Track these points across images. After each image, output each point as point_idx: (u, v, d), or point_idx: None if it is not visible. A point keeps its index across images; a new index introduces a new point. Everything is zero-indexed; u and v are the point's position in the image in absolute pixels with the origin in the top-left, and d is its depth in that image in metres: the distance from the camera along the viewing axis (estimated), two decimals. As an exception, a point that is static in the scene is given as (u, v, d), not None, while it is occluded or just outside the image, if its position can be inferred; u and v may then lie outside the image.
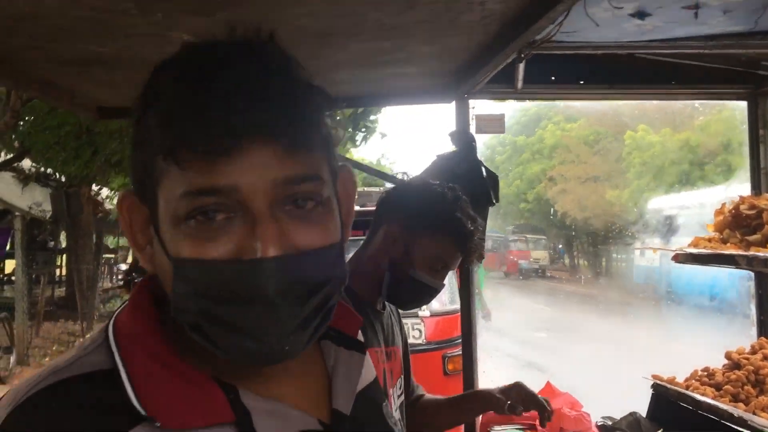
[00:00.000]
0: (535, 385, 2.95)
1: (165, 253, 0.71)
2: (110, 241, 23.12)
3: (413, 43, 1.90)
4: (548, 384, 2.81)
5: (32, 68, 2.02)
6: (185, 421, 0.69)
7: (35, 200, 12.53)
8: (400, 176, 4.99)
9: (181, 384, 0.72)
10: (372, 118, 10.08)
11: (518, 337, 10.24)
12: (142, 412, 0.68)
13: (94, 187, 14.41)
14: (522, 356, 6.53)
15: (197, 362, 0.74)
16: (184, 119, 0.66)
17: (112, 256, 22.03)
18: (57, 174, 12.53)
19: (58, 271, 18.26)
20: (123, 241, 24.12)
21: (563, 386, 2.98)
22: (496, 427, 2.58)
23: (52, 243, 16.97)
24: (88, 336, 0.80)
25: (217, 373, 0.74)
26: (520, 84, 2.64)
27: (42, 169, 12.62)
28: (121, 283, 13.99)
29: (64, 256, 17.18)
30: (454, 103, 2.73)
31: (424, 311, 5.02)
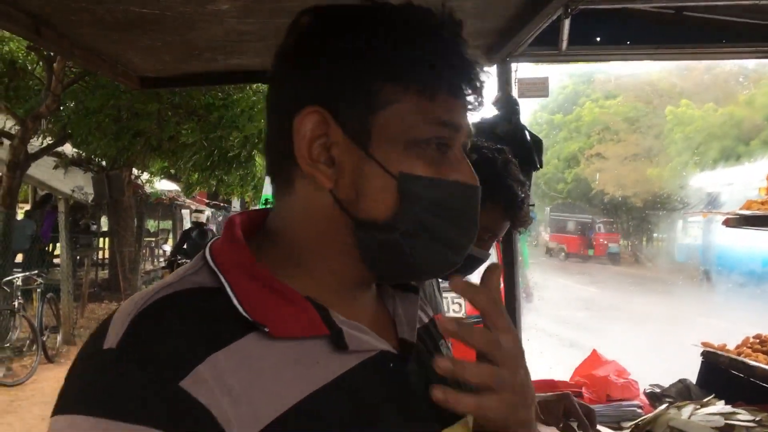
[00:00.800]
0: (579, 357, 2.91)
1: (383, 170, 0.79)
2: (151, 224, 23.48)
3: (456, -1, 1.85)
4: (594, 352, 2.78)
5: (76, 33, 2.03)
6: (288, 330, 0.78)
7: (77, 184, 12.75)
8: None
9: (280, 300, 0.80)
10: None
11: (560, 317, 10.15)
12: (251, 320, 0.76)
13: (135, 171, 14.63)
14: (564, 335, 6.45)
15: (290, 284, 0.82)
16: (443, 60, 0.79)
17: (153, 239, 22.37)
18: (98, 158, 12.73)
19: (101, 254, 18.61)
20: (164, 224, 24.49)
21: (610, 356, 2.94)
22: (541, 395, 2.55)
23: (95, 226, 17.28)
24: (183, 264, 0.88)
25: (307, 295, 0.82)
26: (564, 45, 2.58)
27: (83, 153, 12.83)
28: (164, 264, 14.19)
29: (107, 239, 17.49)
30: (495, 66, 2.68)
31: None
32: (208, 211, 13.77)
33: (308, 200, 0.83)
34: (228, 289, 0.78)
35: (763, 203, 2.54)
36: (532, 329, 7.71)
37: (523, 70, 2.70)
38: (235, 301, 0.77)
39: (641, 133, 28.10)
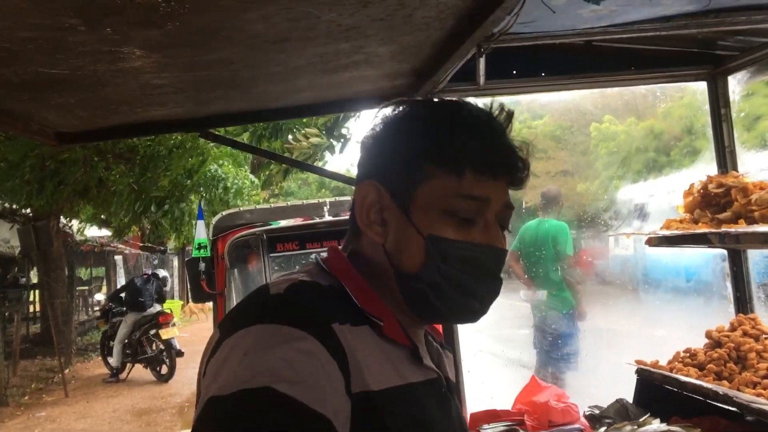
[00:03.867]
0: (520, 381, 2.94)
1: (416, 231, 1.02)
2: (83, 272, 22.72)
3: (371, 44, 1.88)
4: (533, 378, 2.81)
5: (-17, 96, 1.96)
6: (391, 332, 1.02)
7: (2, 237, 12.28)
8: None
9: (381, 309, 1.03)
10: (346, 126, 9.99)
11: (499, 336, 10.24)
12: (368, 315, 1.01)
13: (63, 219, 14.17)
14: (505, 354, 6.55)
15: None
16: (479, 151, 1.02)
17: (86, 287, 21.64)
18: (23, 209, 12.29)
19: (31, 308, 17.90)
20: (96, 272, 23.73)
21: (548, 379, 2.98)
22: (485, 426, 2.57)
23: (24, 279, 16.63)
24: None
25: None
26: (482, 80, 2.64)
27: (6, 204, 12.36)
28: (98, 314, 13.74)
29: (37, 292, 16.84)
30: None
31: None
32: (163, 271, 13.39)
33: (370, 249, 1.08)
34: (349, 291, 1.03)
35: (681, 221, 2.64)
36: (475, 350, 7.78)
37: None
38: (355, 299, 1.02)
39: (568, 150, 28.92)
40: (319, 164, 11.02)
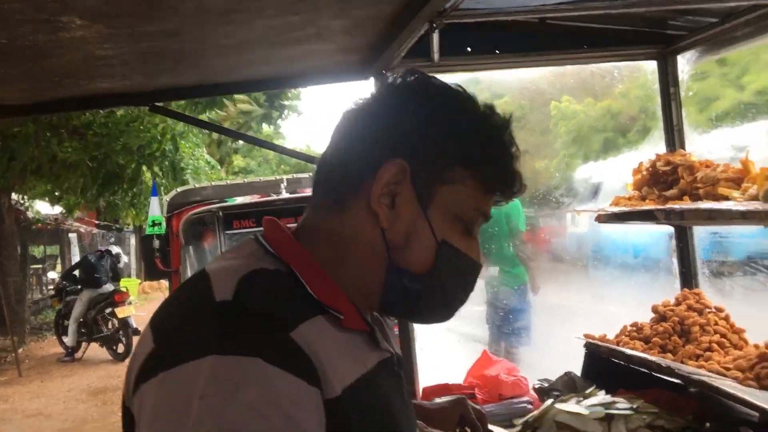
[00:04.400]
0: (473, 356, 2.98)
1: (431, 232, 0.99)
2: (36, 251, 22.24)
3: (322, 18, 1.86)
4: (485, 352, 2.85)
5: None
6: (350, 322, 0.96)
7: (-49, 214, 11.95)
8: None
9: (341, 301, 0.96)
10: (291, 97, 9.67)
11: (459, 312, 10.32)
12: (325, 306, 0.93)
13: (15, 196, 13.82)
14: (459, 329, 6.63)
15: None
16: (509, 179, 1.04)
17: (40, 266, 21.19)
18: (-28, 185, 11.96)
19: (-18, 287, 17.49)
20: (51, 250, 23.24)
21: (501, 354, 3.02)
22: (437, 399, 2.59)
23: (-26, 257, 16.23)
24: (235, 248, 1.05)
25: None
26: (436, 56, 2.63)
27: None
28: (52, 292, 13.48)
29: (-12, 270, 16.45)
30: (372, 80, 2.70)
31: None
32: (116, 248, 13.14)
33: (359, 226, 0.99)
34: (300, 277, 0.94)
35: (629, 199, 2.69)
36: (429, 327, 7.81)
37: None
38: (309, 290, 0.94)
39: (528, 129, 29.11)
40: (254, 135, 10.72)
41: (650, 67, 2.95)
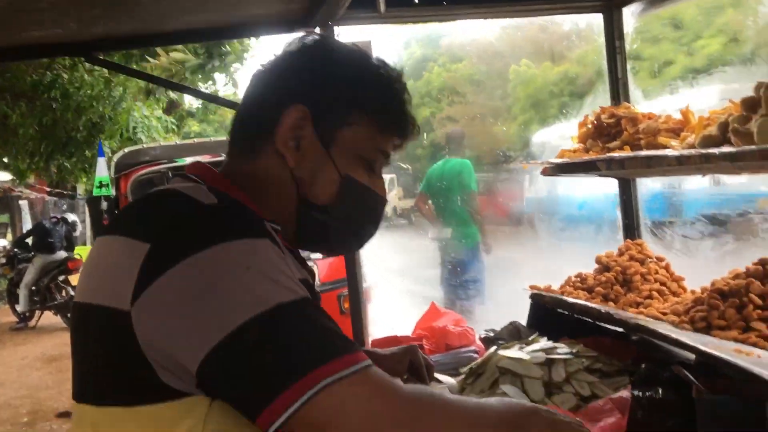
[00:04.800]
0: (423, 310, 3.01)
1: (334, 167, 1.12)
2: (-14, 218, 21.65)
3: (259, -40, 1.80)
4: (432, 304, 2.87)
5: None
6: (284, 239, 1.09)
7: None
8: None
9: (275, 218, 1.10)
10: (237, 48, 9.22)
11: (418, 276, 10.45)
12: (266, 221, 1.04)
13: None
14: (414, 291, 6.73)
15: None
16: (402, 120, 1.20)
17: (-11, 233, 20.65)
18: None
19: (-71, 256, 16.99)
20: (0, 218, 22.63)
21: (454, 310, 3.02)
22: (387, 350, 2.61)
23: None
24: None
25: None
26: (383, 7, 2.59)
27: None
28: (4, 260, 13.19)
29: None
30: (317, 31, 2.65)
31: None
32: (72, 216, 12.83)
33: (270, 168, 1.12)
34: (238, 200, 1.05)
35: (574, 151, 2.71)
36: (385, 286, 7.93)
37: (346, 34, 2.69)
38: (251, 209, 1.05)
39: (487, 93, 29.19)
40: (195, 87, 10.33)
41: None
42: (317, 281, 5.46)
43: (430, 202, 6.22)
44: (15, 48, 2.43)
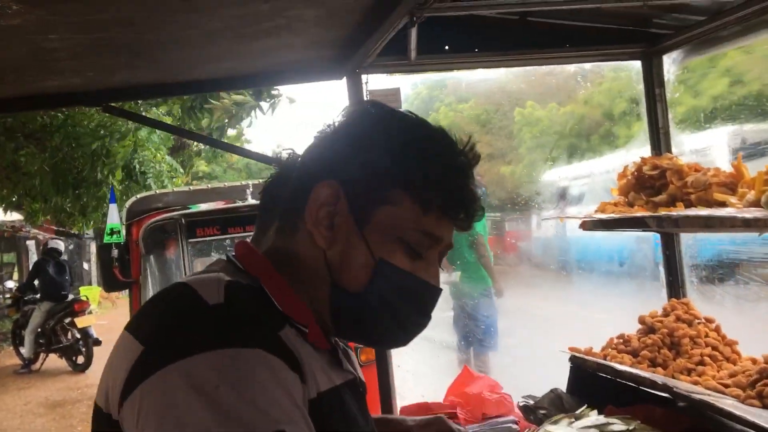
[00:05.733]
0: (452, 370, 2.84)
1: (368, 250, 0.99)
2: (-8, 258, 21.52)
3: (294, 7, 1.69)
4: (465, 368, 2.71)
5: None
6: (313, 338, 0.98)
7: None
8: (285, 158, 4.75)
9: (306, 314, 0.99)
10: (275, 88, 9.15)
11: (433, 320, 10.24)
12: (293, 320, 0.96)
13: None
14: (436, 338, 6.53)
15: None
16: (450, 194, 1.03)
17: (-5, 274, 20.51)
18: None
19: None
20: (7, 258, 22.53)
21: (471, 360, 2.86)
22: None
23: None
24: (206, 267, 1.09)
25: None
26: (413, 54, 2.49)
27: None
28: (10, 302, 13.02)
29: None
30: (345, 79, 2.54)
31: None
32: (61, 243, 12.70)
33: (306, 249, 1.02)
34: (268, 292, 0.97)
35: (615, 204, 2.57)
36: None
37: (374, 81, 2.58)
38: (277, 304, 0.97)
39: (493, 134, 29.27)
40: (245, 125, 10.29)
41: (611, 73, 2.85)
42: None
43: None
44: (32, 97, 2.31)
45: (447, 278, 6.03)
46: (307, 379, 0.92)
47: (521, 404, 2.52)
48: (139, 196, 5.44)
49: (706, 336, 2.45)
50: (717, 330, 2.49)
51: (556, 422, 2.10)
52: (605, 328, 2.74)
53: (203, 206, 5.09)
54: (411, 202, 1.01)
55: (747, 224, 1.76)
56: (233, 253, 1.07)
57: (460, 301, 5.91)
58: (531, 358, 5.39)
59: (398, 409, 2.52)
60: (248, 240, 1.11)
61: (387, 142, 1.03)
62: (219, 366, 0.83)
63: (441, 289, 1.08)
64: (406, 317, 1.05)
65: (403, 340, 1.08)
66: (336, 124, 1.08)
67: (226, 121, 8.96)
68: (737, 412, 1.80)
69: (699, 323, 2.51)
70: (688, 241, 2.76)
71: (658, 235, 2.83)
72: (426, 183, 1.01)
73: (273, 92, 8.88)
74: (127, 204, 5.32)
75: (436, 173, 1.02)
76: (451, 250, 1.09)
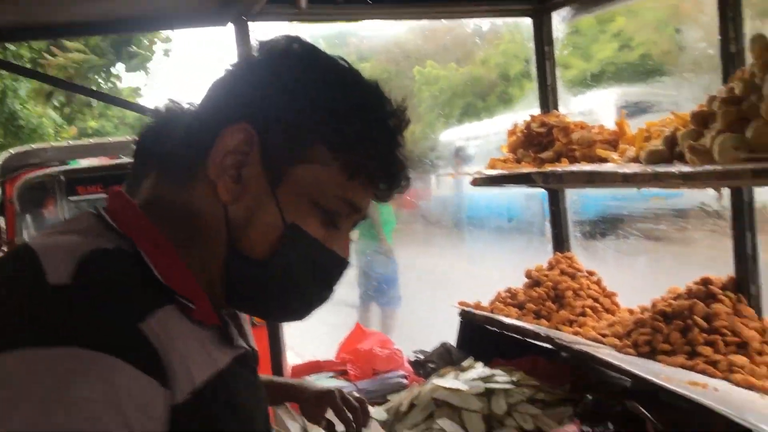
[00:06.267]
0: (346, 326, 2.83)
1: (279, 213, 0.85)
2: None
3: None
4: (357, 325, 2.70)
5: None
6: (201, 315, 0.83)
7: None
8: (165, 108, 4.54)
9: (192, 288, 0.83)
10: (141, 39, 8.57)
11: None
12: (180, 298, 0.81)
13: None
14: (336, 296, 6.54)
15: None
16: (382, 163, 0.90)
17: None
18: None
19: None
20: None
21: (372, 317, 2.85)
22: (307, 377, 2.41)
23: None
24: (67, 221, 0.88)
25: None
26: (304, 3, 2.39)
27: None
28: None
29: None
30: (231, 26, 2.42)
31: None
32: None
33: (201, 202, 0.87)
34: (145, 258, 0.80)
35: (505, 161, 2.59)
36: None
37: (263, 30, 2.47)
38: (157, 274, 0.80)
39: (394, 93, 29.22)
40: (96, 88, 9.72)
41: (508, 35, 2.87)
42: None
43: None
44: None
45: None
46: (176, 378, 0.76)
47: (412, 359, 2.54)
48: (13, 150, 5.06)
49: (588, 288, 2.54)
50: (598, 283, 2.58)
51: (442, 375, 2.12)
52: (497, 284, 2.80)
53: (85, 162, 4.81)
54: (336, 164, 0.87)
55: (626, 179, 1.81)
56: (105, 205, 0.88)
57: (359, 259, 5.98)
58: (426, 314, 5.51)
59: (289, 368, 2.48)
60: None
61: (316, 90, 0.88)
62: (31, 371, 0.66)
63: (350, 263, 0.95)
64: (310, 291, 0.93)
65: (303, 314, 0.96)
66: (251, 61, 0.92)
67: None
68: (613, 361, 1.87)
69: (582, 276, 2.60)
70: (573, 197, 2.84)
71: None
72: (358, 144, 0.87)
73: (132, 50, 8.38)
74: (0, 159, 4.95)
75: (370, 134, 0.88)
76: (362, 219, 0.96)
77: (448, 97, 25.14)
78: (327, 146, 0.86)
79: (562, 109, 2.79)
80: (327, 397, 1.69)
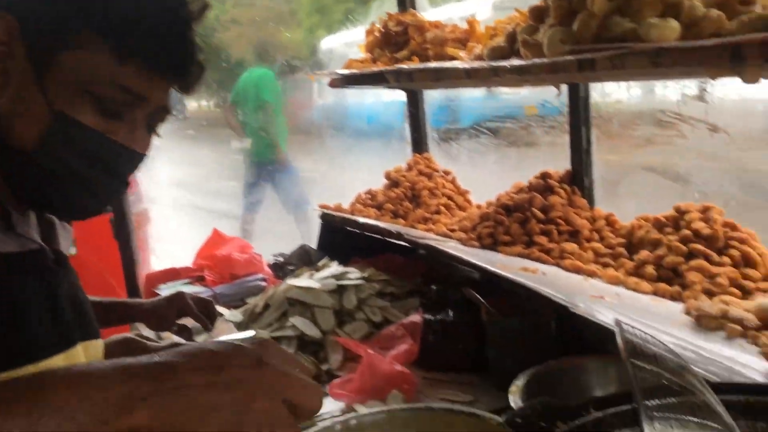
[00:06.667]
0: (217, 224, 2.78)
1: (45, 102, 0.83)
2: None
3: None
4: (215, 231, 2.66)
5: None
6: None
7: None
8: None
9: None
10: None
11: (209, 189, 10.03)
12: None
13: None
14: (214, 207, 6.42)
15: None
16: (155, 43, 0.86)
17: None
18: None
19: None
20: None
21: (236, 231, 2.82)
22: (162, 285, 2.38)
23: None
24: None
25: None
26: None
27: None
28: None
29: None
30: None
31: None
32: None
33: None
34: None
35: (362, 61, 2.56)
36: (177, 206, 7.54)
37: None
38: None
39: (272, -2, 28.19)
40: None
41: None
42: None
43: (236, 111, 6.06)
44: None
45: (240, 145, 6.15)
46: None
47: (271, 262, 2.54)
48: None
49: (443, 187, 2.60)
50: (453, 181, 2.65)
51: (298, 275, 2.14)
52: (360, 188, 2.81)
53: None
54: (104, 48, 0.84)
55: (468, 75, 1.83)
56: None
57: (250, 169, 5.94)
58: (287, 220, 5.53)
59: (143, 276, 2.43)
60: None
61: None
62: None
63: (142, 155, 0.92)
64: (95, 182, 0.90)
65: (95, 209, 0.94)
66: None
67: None
68: (457, 253, 1.95)
69: (438, 175, 2.66)
70: (432, 100, 2.86)
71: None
72: (123, 25, 0.84)
73: None
74: None
75: (137, 15, 0.85)
76: (168, 115, 0.94)
77: (331, 1, 24.49)
78: (94, 30, 0.83)
79: (440, 13, 2.77)
80: (176, 299, 1.69)
